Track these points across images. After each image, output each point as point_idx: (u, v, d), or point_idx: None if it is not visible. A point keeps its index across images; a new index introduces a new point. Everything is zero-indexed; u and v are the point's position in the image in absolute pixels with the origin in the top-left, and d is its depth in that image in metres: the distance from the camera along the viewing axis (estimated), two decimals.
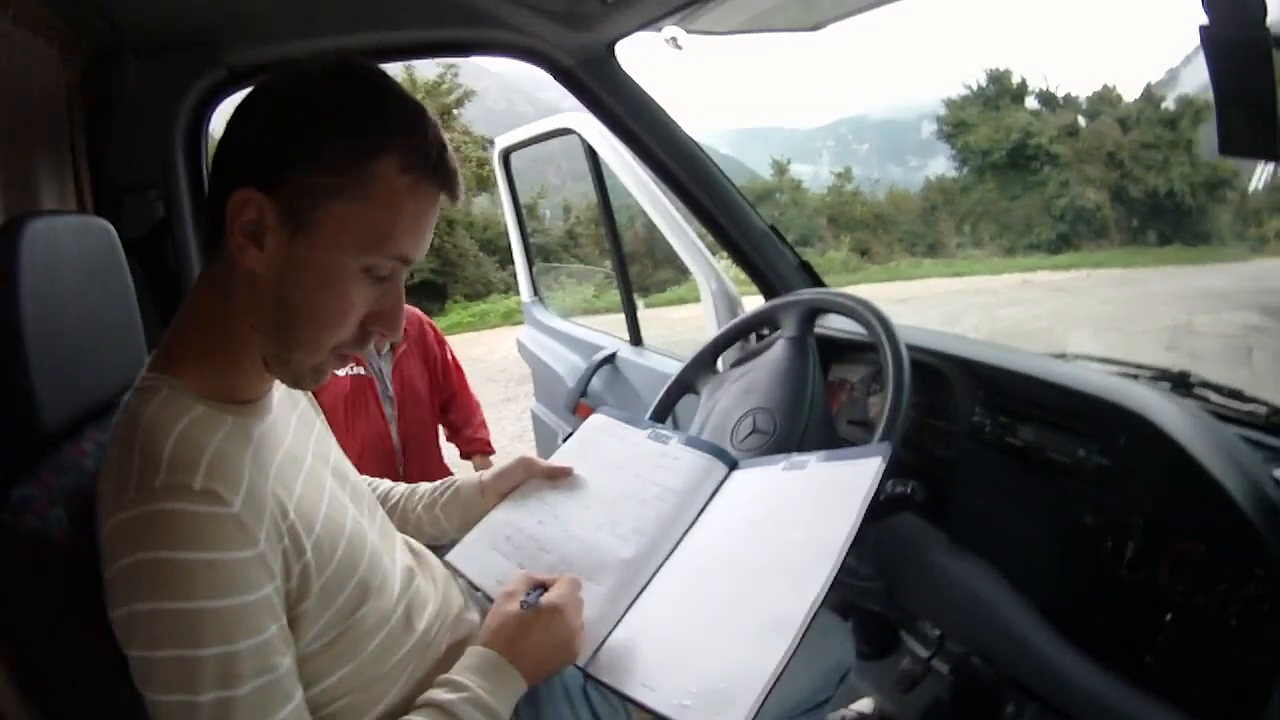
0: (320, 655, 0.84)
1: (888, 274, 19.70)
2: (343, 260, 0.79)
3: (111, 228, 1.09)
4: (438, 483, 1.27)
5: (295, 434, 0.93)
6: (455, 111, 18.62)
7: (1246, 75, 0.97)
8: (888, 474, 1.03)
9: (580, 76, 1.88)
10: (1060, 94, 24.76)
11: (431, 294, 17.70)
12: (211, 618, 0.70)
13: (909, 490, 1.29)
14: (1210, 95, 0.97)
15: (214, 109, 1.76)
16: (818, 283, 2.04)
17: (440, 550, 1.18)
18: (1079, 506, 1.26)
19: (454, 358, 2.90)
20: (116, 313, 1.07)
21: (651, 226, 2.36)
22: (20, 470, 0.83)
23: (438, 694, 0.85)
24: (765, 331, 1.80)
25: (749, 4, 1.61)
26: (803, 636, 0.81)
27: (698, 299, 2.31)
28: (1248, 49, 0.95)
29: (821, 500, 0.98)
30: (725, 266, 2.28)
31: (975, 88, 24.69)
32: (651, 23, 1.71)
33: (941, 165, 26.89)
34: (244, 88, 1.69)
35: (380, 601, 0.91)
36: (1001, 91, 24.47)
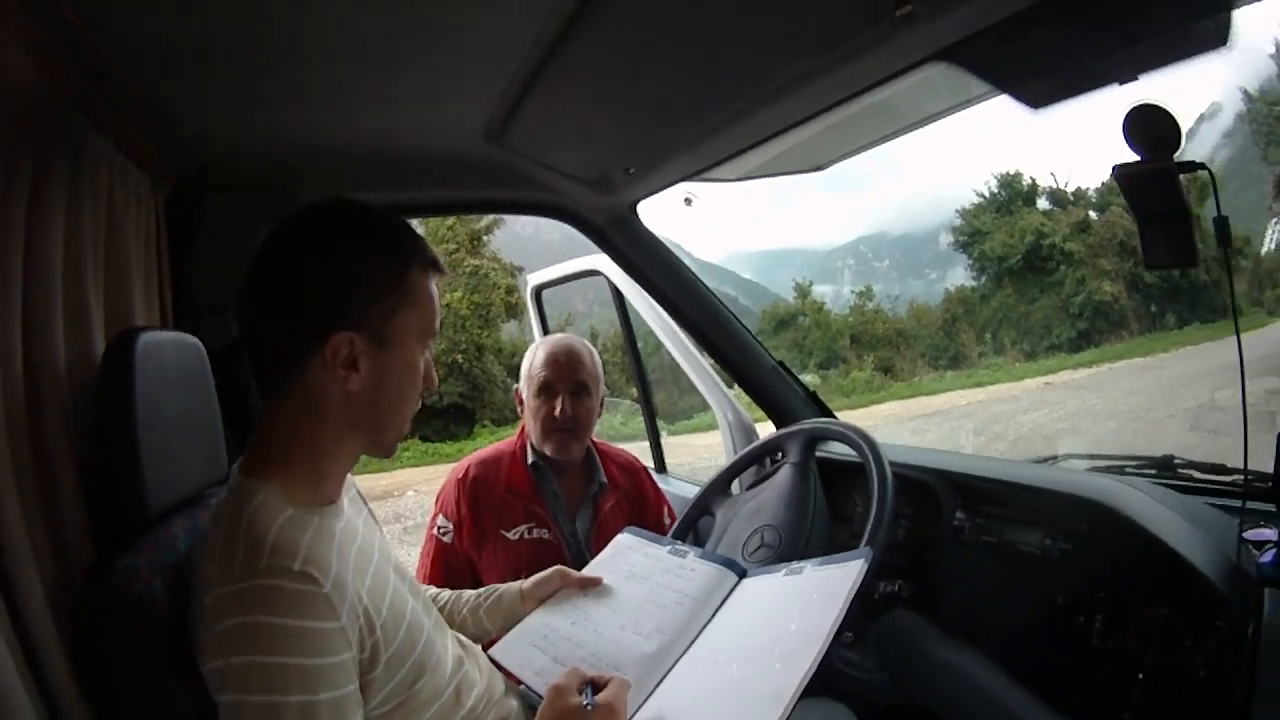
0: (384, 719, 1.00)
1: (911, 390, 19.75)
2: (413, 354, 1.04)
3: (202, 345, 1.28)
4: (482, 589, 1.45)
5: (363, 535, 1.11)
6: (485, 238, 18.93)
7: (1160, 200, 1.20)
8: (878, 575, 1.18)
9: (607, 233, 2.15)
10: (1070, 189, 24.76)
11: (460, 418, 17.74)
12: (297, 671, 0.85)
13: (897, 588, 1.50)
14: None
15: None
16: (825, 412, 2.24)
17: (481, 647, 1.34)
18: (1050, 590, 1.42)
19: (673, 518, 2.12)
20: (203, 419, 1.26)
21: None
22: (124, 545, 1.00)
23: None
24: (778, 456, 1.97)
25: (756, 155, 1.76)
26: (794, 707, 0.96)
27: None
28: (1158, 179, 1.18)
29: (813, 597, 1.14)
30: (748, 402, 2.43)
31: (987, 194, 24.92)
32: (669, 185, 1.96)
33: (960, 275, 26.99)
34: None
35: (434, 679, 1.07)
36: (1013, 195, 24.63)
